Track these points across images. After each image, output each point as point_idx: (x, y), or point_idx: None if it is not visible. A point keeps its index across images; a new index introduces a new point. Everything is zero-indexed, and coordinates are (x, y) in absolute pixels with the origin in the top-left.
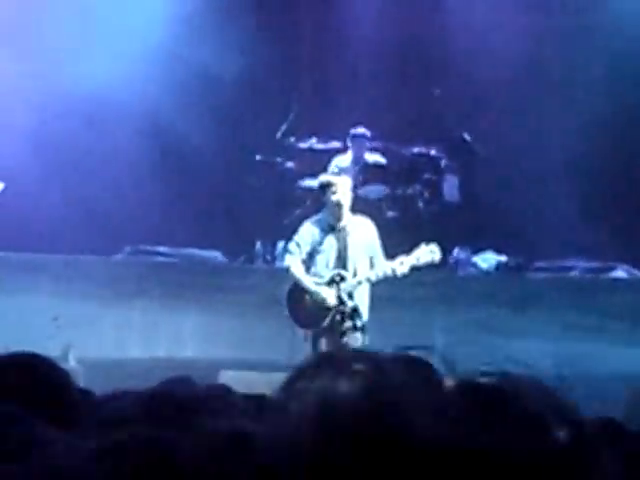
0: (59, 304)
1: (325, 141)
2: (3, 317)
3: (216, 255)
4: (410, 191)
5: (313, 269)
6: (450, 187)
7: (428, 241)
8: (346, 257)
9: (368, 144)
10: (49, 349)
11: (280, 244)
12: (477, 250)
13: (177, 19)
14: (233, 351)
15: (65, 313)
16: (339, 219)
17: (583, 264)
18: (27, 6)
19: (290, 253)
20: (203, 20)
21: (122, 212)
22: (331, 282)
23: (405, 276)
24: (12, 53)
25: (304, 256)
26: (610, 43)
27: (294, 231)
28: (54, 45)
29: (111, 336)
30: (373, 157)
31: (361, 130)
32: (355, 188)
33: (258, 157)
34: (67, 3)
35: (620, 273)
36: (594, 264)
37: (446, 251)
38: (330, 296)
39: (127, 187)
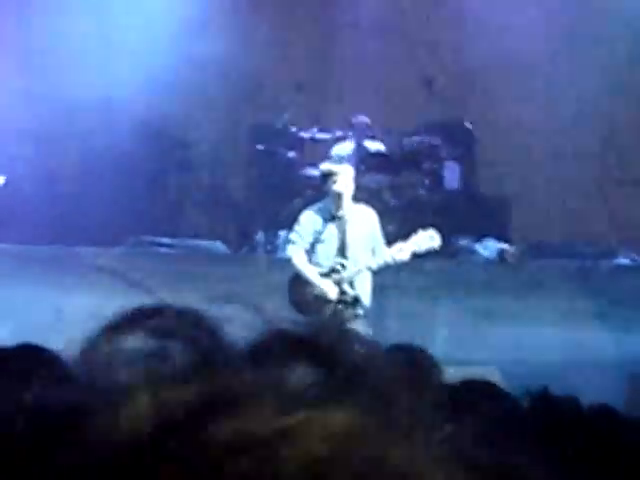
0: (62, 296)
1: (326, 130)
2: (5, 310)
3: (218, 245)
4: (411, 179)
5: (314, 258)
6: (451, 175)
7: (428, 228)
8: (347, 246)
9: (369, 132)
10: (52, 342)
11: (282, 233)
12: (478, 238)
13: (179, 16)
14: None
15: (68, 305)
16: (340, 208)
17: (586, 250)
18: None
19: (292, 243)
20: (205, 15)
21: (124, 204)
22: (332, 271)
23: (405, 263)
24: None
25: (306, 245)
26: (610, 29)
27: (295, 220)
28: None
29: None
30: (374, 145)
31: (362, 119)
32: (356, 177)
33: (259, 147)
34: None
35: (622, 259)
36: (596, 250)
37: (447, 239)
38: (331, 285)
39: (129, 179)
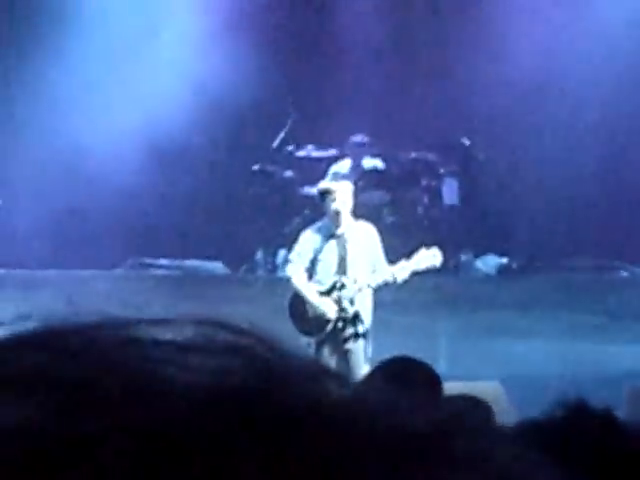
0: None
1: (323, 149)
2: None
3: (218, 266)
4: (410, 196)
5: (315, 277)
6: (450, 191)
7: (429, 245)
8: (347, 263)
9: (367, 151)
10: None
11: (281, 253)
12: (478, 253)
13: (175, 37)
14: None
15: None
16: (339, 226)
17: (585, 264)
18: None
19: (291, 262)
20: (201, 36)
21: (123, 225)
22: (332, 289)
23: (406, 281)
24: None
25: (307, 264)
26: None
27: (294, 239)
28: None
29: None
30: (372, 163)
31: (359, 137)
32: (355, 194)
33: (256, 167)
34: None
35: (623, 272)
36: (596, 263)
37: (447, 255)
38: (331, 303)
39: (127, 200)
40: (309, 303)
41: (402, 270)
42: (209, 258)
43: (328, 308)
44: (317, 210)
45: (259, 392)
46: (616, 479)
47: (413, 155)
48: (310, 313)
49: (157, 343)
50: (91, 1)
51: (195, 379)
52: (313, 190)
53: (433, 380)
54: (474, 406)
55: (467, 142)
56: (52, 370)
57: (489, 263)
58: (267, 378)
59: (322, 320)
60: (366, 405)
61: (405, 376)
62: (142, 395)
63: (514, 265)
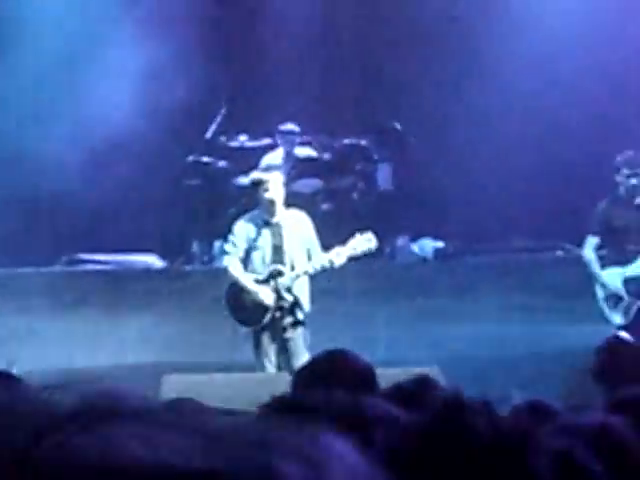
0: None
1: (255, 138)
2: None
3: (153, 259)
4: (344, 183)
5: (250, 266)
6: (384, 176)
7: (365, 231)
8: (282, 252)
9: (298, 139)
10: None
11: (217, 244)
12: (414, 237)
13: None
14: (175, 355)
15: (4, 328)
16: (273, 215)
17: (521, 244)
18: None
19: (227, 253)
20: (134, 27)
21: (57, 221)
22: (269, 278)
23: (342, 267)
24: None
25: (241, 254)
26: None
27: (229, 230)
28: None
29: (54, 347)
30: (304, 151)
31: (290, 126)
32: (288, 183)
33: (190, 158)
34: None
35: (558, 252)
36: (532, 244)
37: (383, 240)
38: (269, 292)
39: (60, 195)
40: (247, 292)
41: (338, 256)
42: (144, 251)
43: (266, 296)
44: (252, 200)
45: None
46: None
47: (346, 141)
48: (248, 302)
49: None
50: (33, 3)
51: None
52: (246, 180)
53: (365, 374)
54: (425, 385)
55: (399, 126)
56: None
57: (425, 247)
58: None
59: (260, 309)
60: None
61: (335, 373)
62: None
63: (450, 249)
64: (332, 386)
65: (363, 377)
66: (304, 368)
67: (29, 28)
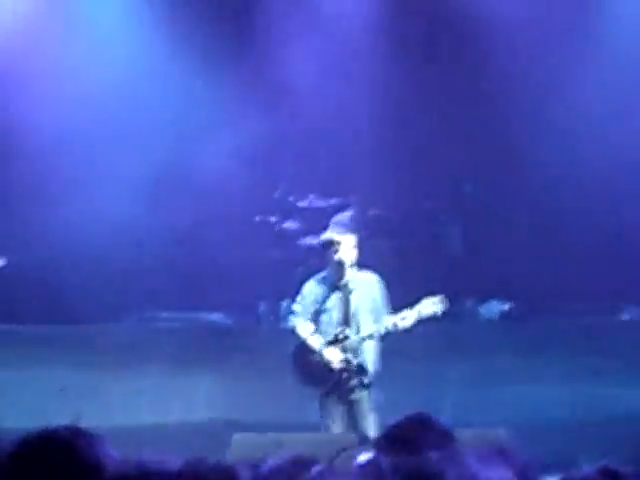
0: (66, 375)
1: (325, 198)
2: (9, 392)
3: (220, 318)
4: (413, 244)
5: (318, 328)
6: (453, 239)
7: (432, 293)
8: (349, 314)
9: (369, 200)
10: (57, 421)
11: (284, 304)
12: (481, 300)
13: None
14: (242, 414)
15: (73, 384)
16: (342, 276)
17: (586, 307)
18: None
19: (294, 314)
20: (198, 94)
21: (124, 279)
22: (335, 340)
23: (407, 330)
24: None
25: (309, 315)
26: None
27: (297, 291)
28: None
29: (121, 404)
30: (374, 212)
31: (361, 188)
32: (359, 244)
33: (258, 218)
34: None
35: (626, 315)
36: (597, 306)
37: (451, 302)
38: (335, 354)
39: (127, 252)
40: (313, 353)
41: (403, 320)
42: (212, 310)
43: (332, 358)
44: (321, 261)
45: None
46: None
47: (415, 204)
48: (314, 364)
49: None
50: None
51: None
52: (315, 241)
53: (446, 437)
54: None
55: (468, 189)
56: None
57: (492, 309)
58: None
59: (327, 370)
60: None
61: (418, 437)
62: None
63: (516, 311)
64: (417, 449)
65: (445, 439)
66: (388, 432)
67: None
